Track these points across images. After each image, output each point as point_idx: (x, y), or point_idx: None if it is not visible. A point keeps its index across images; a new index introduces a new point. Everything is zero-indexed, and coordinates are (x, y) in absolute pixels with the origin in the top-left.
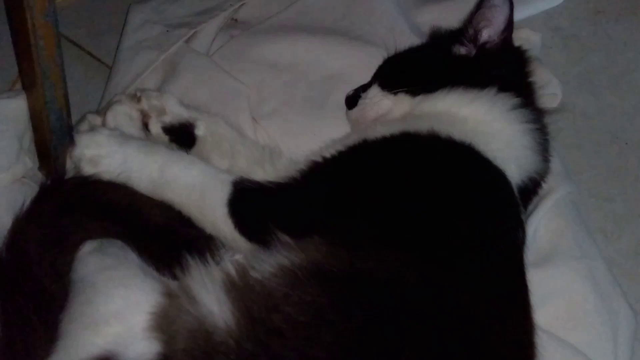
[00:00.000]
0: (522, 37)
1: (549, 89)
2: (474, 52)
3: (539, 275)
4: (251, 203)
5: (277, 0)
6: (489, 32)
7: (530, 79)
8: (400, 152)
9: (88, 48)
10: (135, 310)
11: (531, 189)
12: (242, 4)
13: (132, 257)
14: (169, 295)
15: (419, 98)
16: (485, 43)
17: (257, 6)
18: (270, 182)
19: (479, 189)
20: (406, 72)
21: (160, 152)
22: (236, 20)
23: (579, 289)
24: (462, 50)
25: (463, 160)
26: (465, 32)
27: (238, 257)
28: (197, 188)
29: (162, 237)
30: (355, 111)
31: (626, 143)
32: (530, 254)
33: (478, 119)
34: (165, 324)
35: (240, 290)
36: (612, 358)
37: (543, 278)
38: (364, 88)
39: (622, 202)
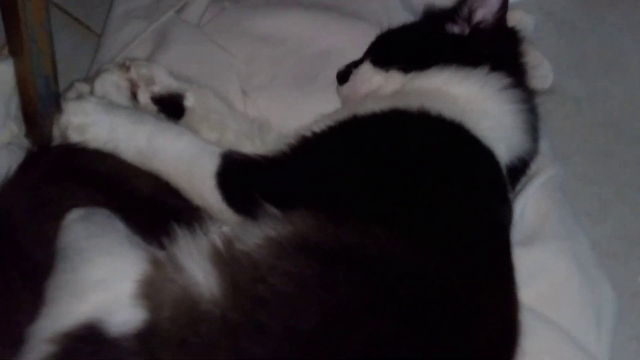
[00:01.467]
0: (516, 18)
1: (541, 71)
2: (467, 31)
3: (525, 254)
4: (239, 175)
5: None
6: (483, 12)
7: (522, 60)
8: (390, 128)
9: (77, 15)
10: (122, 277)
11: (520, 169)
12: None
13: (119, 225)
14: (156, 263)
15: (410, 75)
16: (479, 23)
17: None
18: (259, 155)
19: (467, 167)
20: (399, 48)
21: (148, 122)
22: None
23: (563, 268)
24: (455, 29)
25: (452, 138)
26: (459, 11)
27: (224, 228)
28: (185, 159)
29: (149, 206)
30: (346, 87)
31: (615, 127)
32: (517, 234)
33: (469, 98)
34: (151, 292)
35: (226, 261)
36: (595, 336)
37: (528, 257)
38: (356, 64)
39: (609, 186)
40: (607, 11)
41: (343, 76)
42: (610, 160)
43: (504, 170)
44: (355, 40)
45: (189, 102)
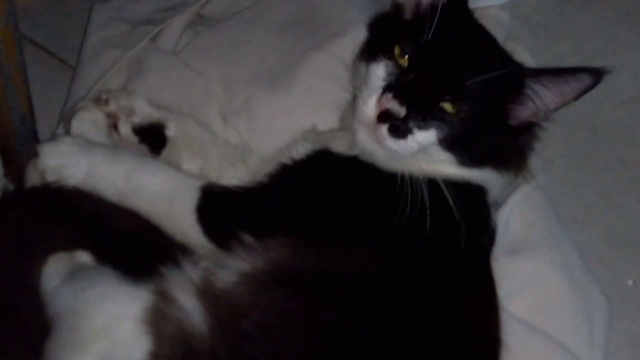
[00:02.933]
0: (491, 15)
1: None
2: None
3: (513, 265)
4: (220, 209)
5: None
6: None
7: None
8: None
9: (50, 48)
10: (120, 318)
11: None
12: (208, 0)
13: (105, 269)
14: (150, 299)
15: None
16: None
17: (223, 1)
18: (239, 187)
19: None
20: (473, 142)
21: (126, 159)
22: (202, 16)
23: (553, 278)
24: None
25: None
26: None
27: (202, 265)
28: (164, 195)
29: (132, 243)
30: (396, 144)
31: (595, 130)
32: (503, 244)
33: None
34: (150, 327)
35: (209, 298)
36: (588, 345)
37: (517, 268)
38: (418, 119)
39: (593, 190)
40: (580, 13)
41: (402, 131)
42: (593, 163)
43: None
44: (330, 55)
45: (171, 131)
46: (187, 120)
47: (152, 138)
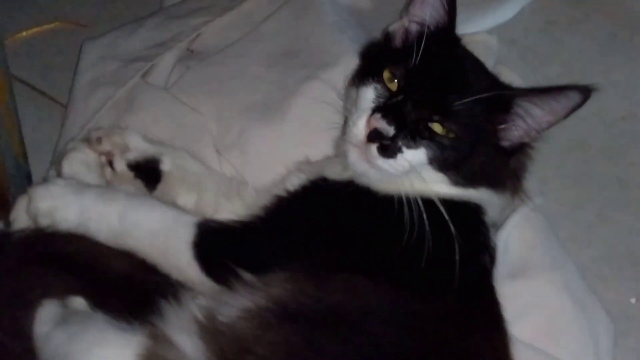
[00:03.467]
0: (480, 41)
1: None
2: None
3: (515, 288)
4: (216, 244)
5: (232, 30)
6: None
7: None
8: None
9: (41, 88)
10: None
11: None
12: (198, 35)
13: (97, 315)
14: (145, 342)
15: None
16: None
17: (212, 36)
18: (235, 222)
19: (444, 220)
20: (463, 161)
21: (118, 199)
22: (192, 50)
23: (556, 300)
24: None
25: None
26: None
27: (202, 301)
28: (159, 233)
29: (127, 286)
30: (385, 162)
31: (588, 150)
32: (504, 267)
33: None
34: None
35: (211, 334)
36: None
37: (519, 291)
38: (407, 139)
39: (590, 209)
40: (567, 35)
41: (390, 150)
42: (588, 182)
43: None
44: (321, 84)
45: (166, 166)
46: (181, 155)
47: (147, 173)
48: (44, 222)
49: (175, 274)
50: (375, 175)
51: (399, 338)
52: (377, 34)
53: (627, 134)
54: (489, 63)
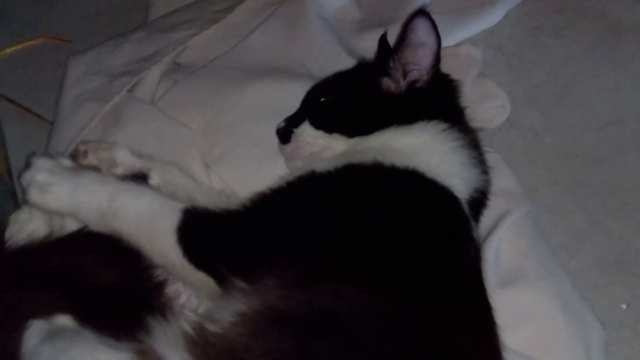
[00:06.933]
0: (463, 53)
1: (498, 101)
2: (403, 87)
3: (507, 297)
4: (200, 229)
5: (218, 43)
6: (418, 72)
7: (458, 104)
8: (348, 182)
9: (26, 104)
10: None
11: (479, 201)
12: (184, 48)
13: (84, 332)
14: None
15: (355, 139)
16: (415, 81)
17: (198, 49)
18: (221, 209)
19: (429, 211)
20: (339, 113)
21: (110, 182)
22: (179, 64)
23: (549, 308)
24: (392, 85)
25: (409, 185)
26: (393, 67)
27: (191, 314)
28: (146, 216)
29: (114, 297)
30: (289, 147)
31: (577, 155)
32: (495, 275)
33: (412, 147)
34: None
35: (201, 347)
36: None
37: (512, 300)
38: (295, 120)
39: (580, 216)
40: (553, 41)
41: (284, 135)
42: (578, 189)
43: (466, 206)
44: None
45: (154, 181)
46: (169, 169)
47: None
48: (34, 195)
49: (158, 259)
50: (304, 163)
51: (387, 344)
52: (365, 45)
53: (615, 139)
54: (472, 75)
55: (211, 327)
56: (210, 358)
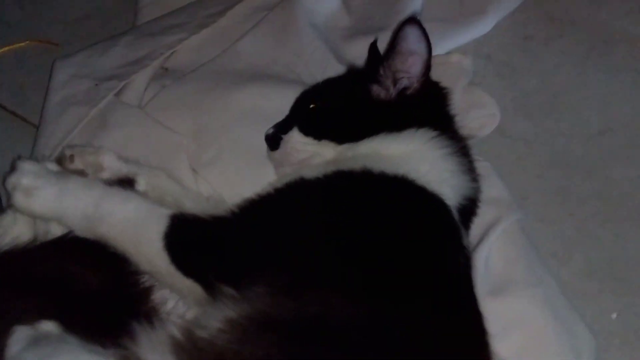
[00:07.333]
0: (454, 62)
1: (488, 110)
2: (393, 94)
3: (497, 306)
4: (187, 236)
5: (207, 47)
6: (408, 80)
7: (448, 112)
8: (337, 189)
9: (12, 108)
10: None
11: (469, 208)
12: (172, 52)
13: (69, 338)
14: None
15: (344, 146)
16: (405, 89)
17: (187, 54)
18: (208, 215)
19: (418, 218)
20: (329, 119)
21: (97, 188)
22: (167, 69)
23: (539, 317)
24: (381, 93)
25: (399, 191)
26: (383, 74)
27: (179, 320)
28: (132, 222)
29: (100, 302)
30: (278, 153)
31: (567, 165)
32: (485, 284)
33: (401, 154)
34: None
35: (189, 352)
36: None
37: (501, 309)
38: (284, 127)
39: (570, 224)
40: (543, 50)
41: (273, 142)
42: (567, 197)
43: (456, 213)
44: None
45: (141, 186)
46: (157, 174)
47: None
48: (19, 200)
49: (145, 266)
50: (293, 169)
51: (376, 352)
52: (355, 52)
53: (605, 148)
54: (462, 84)
55: (199, 333)
56: None
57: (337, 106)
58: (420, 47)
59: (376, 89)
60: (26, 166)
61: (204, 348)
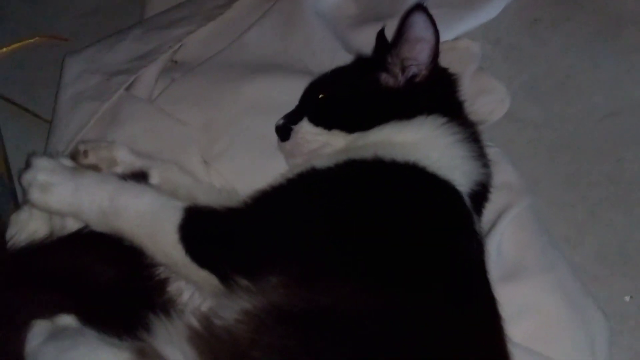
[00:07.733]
0: (462, 47)
1: (497, 95)
2: (402, 82)
3: (510, 290)
4: (202, 228)
5: (215, 40)
6: (417, 67)
7: (457, 98)
8: (349, 178)
9: (24, 104)
10: None
11: (481, 194)
12: (181, 45)
13: (87, 331)
14: (135, 358)
15: (354, 135)
16: (413, 76)
17: (196, 46)
18: (223, 207)
19: (431, 205)
20: (339, 109)
21: (111, 181)
22: (176, 62)
23: (552, 301)
24: (390, 80)
25: (410, 179)
26: (391, 62)
27: (196, 311)
28: (147, 215)
29: (115, 294)
30: (289, 144)
31: (578, 148)
32: (498, 269)
33: (412, 142)
34: None
35: (206, 340)
36: None
37: (514, 293)
38: (294, 117)
39: (581, 207)
40: (551, 33)
41: (284, 133)
42: (579, 181)
43: (467, 199)
44: None
45: (154, 179)
46: (169, 167)
47: None
48: (35, 195)
49: (161, 258)
50: (304, 160)
51: (389, 341)
52: (363, 40)
53: (615, 131)
54: (471, 69)
55: (217, 321)
56: (214, 350)
57: (346, 95)
58: (428, 34)
59: (385, 77)
60: (41, 162)
61: (221, 335)
